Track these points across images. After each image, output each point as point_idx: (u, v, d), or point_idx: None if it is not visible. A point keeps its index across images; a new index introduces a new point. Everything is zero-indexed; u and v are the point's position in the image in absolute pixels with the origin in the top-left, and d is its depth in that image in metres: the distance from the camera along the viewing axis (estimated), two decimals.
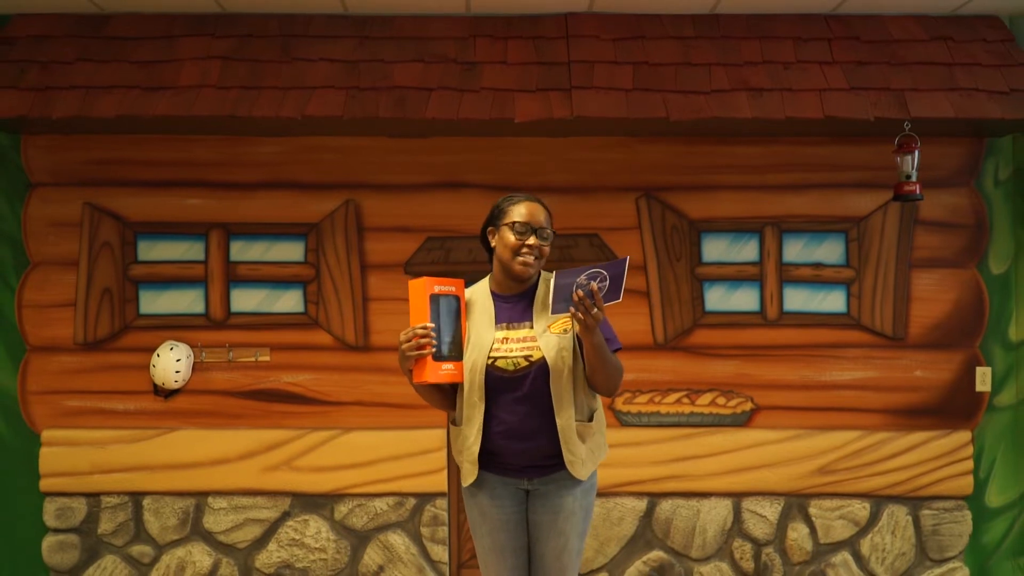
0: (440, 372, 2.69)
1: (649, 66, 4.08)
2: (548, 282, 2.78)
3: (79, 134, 4.27)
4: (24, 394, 4.31)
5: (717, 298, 4.37)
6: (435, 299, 2.68)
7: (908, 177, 4.04)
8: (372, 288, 4.34)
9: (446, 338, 2.70)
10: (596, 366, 2.66)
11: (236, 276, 4.34)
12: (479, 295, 2.83)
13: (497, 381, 2.72)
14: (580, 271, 2.52)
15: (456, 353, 2.73)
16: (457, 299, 2.76)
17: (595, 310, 2.52)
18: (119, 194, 4.32)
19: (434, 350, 2.65)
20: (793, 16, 4.24)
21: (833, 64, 4.10)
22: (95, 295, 4.29)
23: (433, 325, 2.66)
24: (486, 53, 4.13)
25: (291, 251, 4.35)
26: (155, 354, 4.22)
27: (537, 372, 2.71)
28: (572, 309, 2.53)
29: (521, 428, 2.73)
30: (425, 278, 2.68)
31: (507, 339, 2.74)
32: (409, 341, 2.64)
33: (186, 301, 4.33)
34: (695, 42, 4.15)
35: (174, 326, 4.31)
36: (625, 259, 2.56)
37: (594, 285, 2.52)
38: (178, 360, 4.20)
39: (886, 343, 4.37)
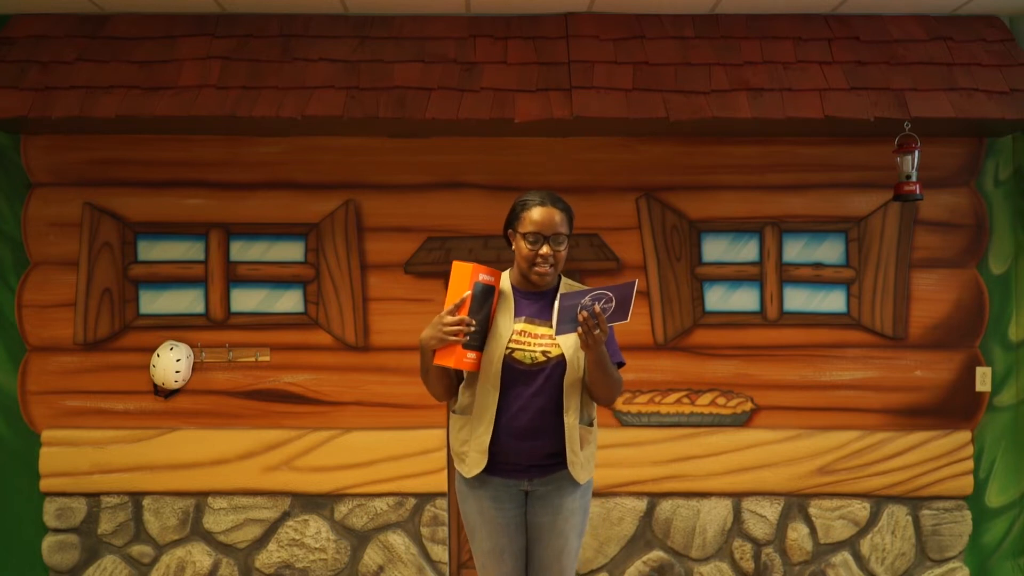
0: (465, 360, 2.70)
1: (649, 66, 4.08)
2: (568, 285, 2.82)
3: (79, 134, 4.27)
4: (24, 394, 4.31)
5: (717, 298, 4.37)
6: (477, 287, 2.69)
7: (908, 177, 4.04)
8: (372, 288, 4.34)
9: (476, 327, 2.71)
10: (597, 379, 2.68)
11: (236, 276, 4.34)
12: (502, 286, 2.83)
13: (512, 373, 2.73)
14: (584, 293, 2.56)
15: (480, 343, 2.74)
16: (493, 289, 2.76)
17: (597, 331, 2.55)
18: (119, 194, 4.32)
19: (467, 338, 2.67)
20: (793, 16, 4.24)
21: (833, 64, 4.10)
22: (95, 295, 4.28)
23: (470, 319, 2.67)
24: (486, 53, 4.13)
25: (291, 251, 4.35)
26: (155, 354, 4.22)
27: (553, 369, 2.72)
28: (579, 330, 2.56)
29: (531, 424, 2.73)
30: (473, 264, 2.68)
31: (525, 332, 2.74)
32: (453, 325, 2.63)
33: (186, 301, 4.33)
34: (695, 42, 4.15)
35: (174, 326, 4.31)
36: (633, 282, 2.58)
37: (597, 307, 2.55)
38: (178, 360, 4.20)
39: (886, 343, 4.37)
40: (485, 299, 2.73)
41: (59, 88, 3.96)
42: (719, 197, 4.37)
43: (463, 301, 2.66)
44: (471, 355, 2.71)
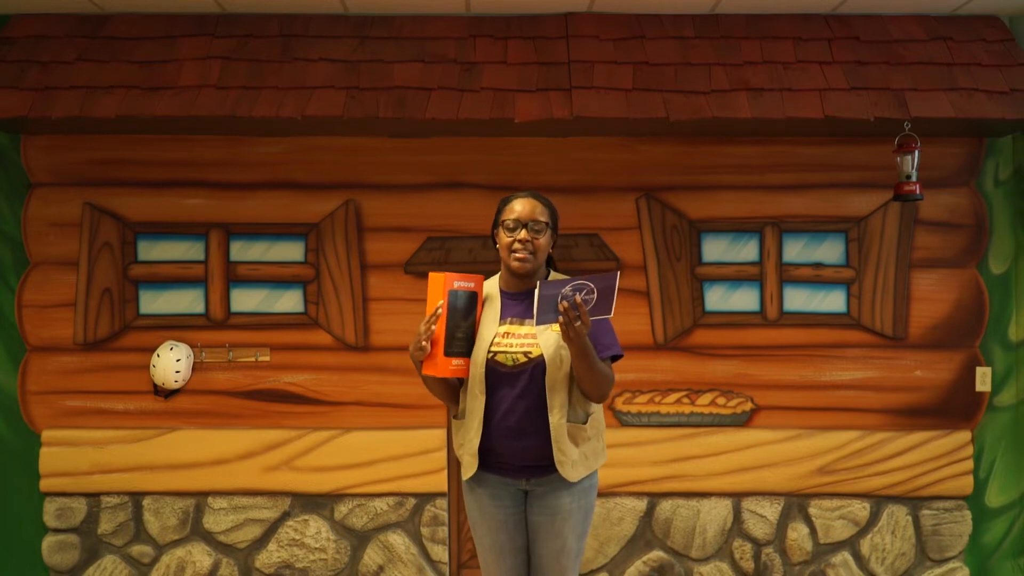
0: (450, 367, 2.71)
1: (649, 66, 4.08)
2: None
3: (79, 134, 4.27)
4: (24, 394, 4.31)
5: (717, 298, 4.37)
6: (453, 294, 2.69)
7: (908, 177, 4.04)
8: (372, 288, 4.35)
9: (458, 334, 2.72)
10: (582, 373, 2.66)
11: (236, 276, 4.34)
12: (490, 290, 2.85)
13: (497, 376, 2.74)
14: (565, 282, 2.52)
15: (467, 349, 2.74)
16: (475, 295, 2.77)
17: (578, 323, 2.53)
18: (119, 194, 4.32)
19: (446, 347, 2.67)
20: (793, 16, 4.24)
21: (833, 64, 4.10)
22: (95, 295, 4.28)
23: (433, 328, 2.66)
24: (486, 53, 4.13)
25: (291, 251, 4.35)
26: (155, 354, 4.22)
27: (535, 369, 2.72)
28: (559, 319, 2.54)
29: (518, 425, 2.74)
30: (446, 273, 2.69)
31: (509, 334, 2.76)
32: (422, 334, 2.65)
33: (186, 301, 4.33)
34: (695, 42, 4.15)
35: (174, 326, 4.31)
36: (615, 273, 2.55)
37: (578, 297, 2.52)
38: (178, 360, 4.20)
39: (886, 343, 4.37)
40: (469, 306, 2.74)
41: (59, 88, 3.96)
42: (719, 197, 4.37)
43: (438, 310, 2.66)
44: (456, 362, 2.72)
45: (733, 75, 4.05)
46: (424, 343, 2.65)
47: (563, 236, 4.22)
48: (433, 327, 2.66)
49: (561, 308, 2.51)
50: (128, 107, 3.91)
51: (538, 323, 2.55)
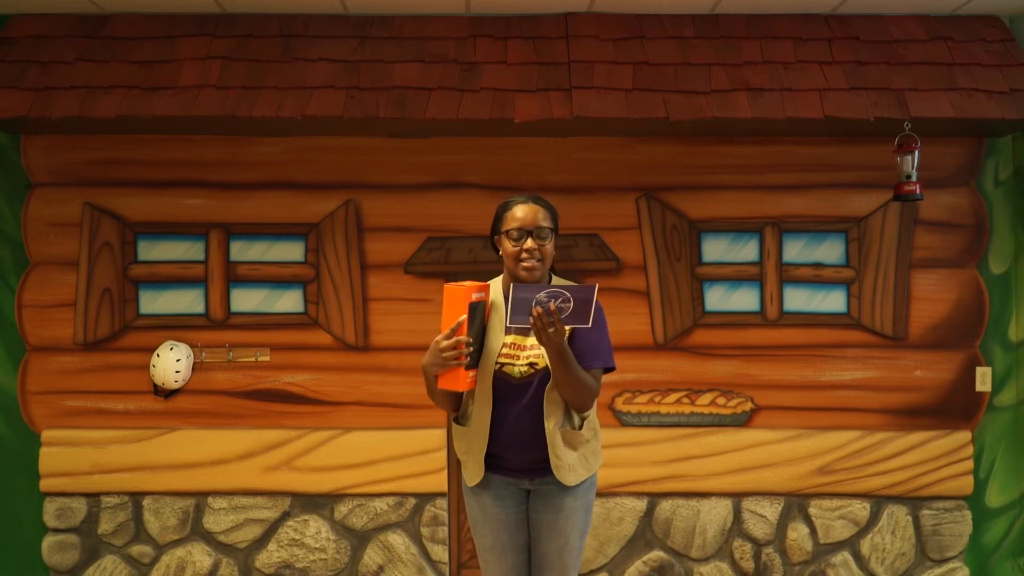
0: (468, 379, 2.69)
1: (649, 66, 4.08)
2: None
3: (79, 134, 4.27)
4: (24, 394, 4.31)
5: (717, 298, 4.37)
6: (471, 307, 2.64)
7: (908, 177, 4.04)
8: (372, 288, 4.35)
9: (474, 346, 2.68)
10: (560, 380, 2.66)
11: (236, 276, 4.34)
12: (493, 296, 2.82)
13: (504, 386, 2.74)
14: (542, 288, 2.52)
15: (477, 360, 2.73)
16: (485, 304, 2.75)
17: (551, 329, 2.53)
18: (119, 194, 4.32)
19: (468, 359, 2.65)
20: (793, 16, 4.24)
21: (833, 64, 4.10)
22: (95, 295, 4.28)
23: (470, 339, 2.63)
24: (486, 53, 4.13)
25: (291, 251, 4.35)
26: (155, 354, 4.22)
27: (541, 379, 2.72)
28: (531, 320, 2.53)
29: (525, 434, 2.74)
30: (464, 286, 2.63)
31: (515, 345, 2.75)
32: (454, 349, 2.59)
33: (186, 301, 4.33)
34: (695, 42, 4.16)
35: (174, 326, 4.31)
36: (594, 286, 2.55)
37: (553, 304, 2.52)
38: (178, 360, 4.20)
39: (886, 343, 4.37)
40: (481, 316, 2.72)
41: (59, 88, 3.96)
42: (719, 197, 4.37)
43: (459, 324, 2.61)
44: (472, 374, 2.70)
45: (733, 75, 4.05)
46: (454, 361, 2.60)
47: (563, 236, 4.22)
48: (460, 343, 2.60)
49: (535, 313, 2.52)
50: (128, 107, 3.91)
51: (510, 323, 2.55)
